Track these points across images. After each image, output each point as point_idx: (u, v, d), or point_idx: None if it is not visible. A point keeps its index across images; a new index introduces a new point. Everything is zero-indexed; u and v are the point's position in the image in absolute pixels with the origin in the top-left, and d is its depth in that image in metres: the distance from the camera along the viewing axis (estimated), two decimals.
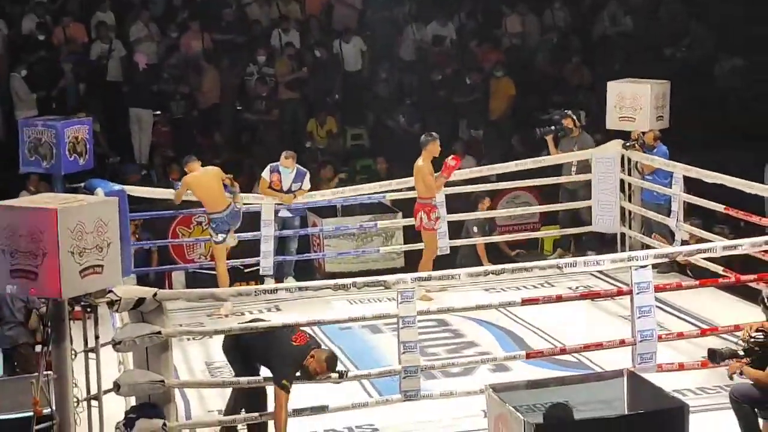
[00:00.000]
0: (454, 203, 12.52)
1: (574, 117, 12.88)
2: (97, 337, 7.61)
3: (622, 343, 8.87)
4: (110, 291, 7.52)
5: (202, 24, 16.78)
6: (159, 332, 7.74)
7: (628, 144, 12.37)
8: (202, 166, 11.57)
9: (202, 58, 16.47)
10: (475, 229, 12.85)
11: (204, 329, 9.29)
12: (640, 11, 18.25)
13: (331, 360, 8.02)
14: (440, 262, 11.49)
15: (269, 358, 7.90)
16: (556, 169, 13.02)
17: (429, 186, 11.35)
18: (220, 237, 11.38)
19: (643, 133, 12.36)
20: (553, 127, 12.83)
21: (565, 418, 6.76)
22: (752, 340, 7.76)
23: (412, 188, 11.83)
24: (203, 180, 11.34)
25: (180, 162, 12.30)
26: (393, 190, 12.40)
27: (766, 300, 7.88)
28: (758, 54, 17.15)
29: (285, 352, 7.86)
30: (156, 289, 7.83)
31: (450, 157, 11.47)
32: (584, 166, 12.72)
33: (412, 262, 12.22)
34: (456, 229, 12.72)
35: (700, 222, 11.82)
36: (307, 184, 12.15)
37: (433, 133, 11.54)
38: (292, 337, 7.95)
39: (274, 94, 16.33)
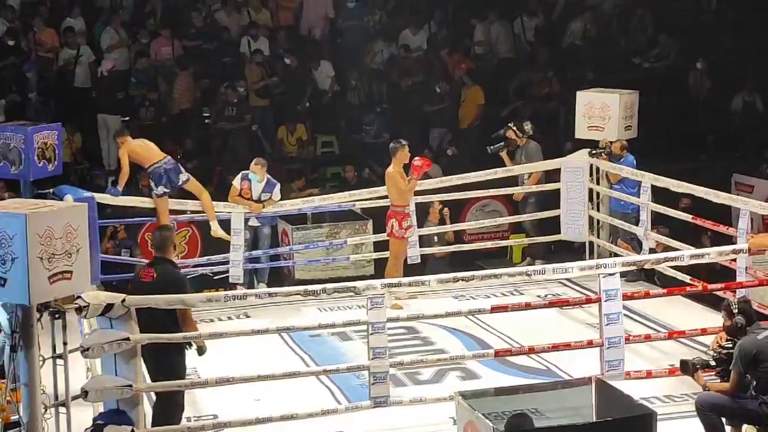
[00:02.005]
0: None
1: (514, 128, 12.98)
2: (65, 344, 7.58)
3: (590, 343, 8.94)
4: (79, 297, 7.50)
5: (173, 30, 16.73)
6: (127, 338, 7.71)
7: (594, 152, 12.46)
8: None
9: (172, 64, 16.42)
10: (436, 239, 12.93)
11: (172, 335, 9.25)
12: (609, 22, 18.35)
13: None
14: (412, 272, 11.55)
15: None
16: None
17: (401, 191, 11.36)
18: (161, 189, 11.51)
19: (611, 142, 12.45)
20: (501, 143, 12.95)
21: (525, 426, 6.80)
22: (723, 351, 7.84)
23: (383, 197, 11.86)
24: (133, 142, 11.70)
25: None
26: (363, 199, 12.42)
27: (732, 306, 7.94)
28: (727, 64, 17.30)
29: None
30: (124, 295, 7.81)
31: (416, 159, 11.50)
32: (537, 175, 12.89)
33: (382, 270, 12.22)
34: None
35: (667, 231, 11.91)
36: (276, 195, 12.15)
37: (402, 140, 11.59)
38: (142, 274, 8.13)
39: (244, 101, 16.31)
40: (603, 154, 12.39)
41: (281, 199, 12.27)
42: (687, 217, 11.45)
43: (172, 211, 11.81)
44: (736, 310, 7.85)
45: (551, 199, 12.88)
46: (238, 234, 12.00)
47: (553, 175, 12.87)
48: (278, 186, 12.22)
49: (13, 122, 11.47)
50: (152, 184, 11.56)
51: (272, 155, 15.60)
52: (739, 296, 8.96)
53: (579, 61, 17.68)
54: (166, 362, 8.04)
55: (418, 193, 12.15)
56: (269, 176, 12.19)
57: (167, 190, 11.55)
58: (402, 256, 11.62)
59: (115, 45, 16.37)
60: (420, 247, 12.49)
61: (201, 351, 8.29)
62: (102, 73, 15.99)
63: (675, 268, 10.84)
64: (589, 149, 12.56)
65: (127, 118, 15.96)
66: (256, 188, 12.08)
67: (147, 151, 11.66)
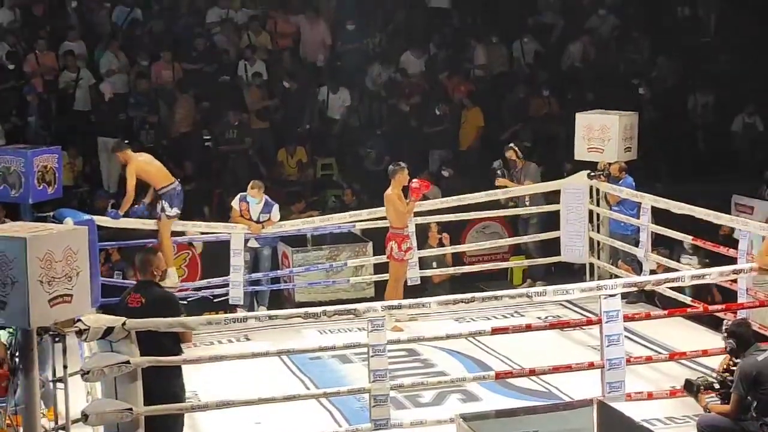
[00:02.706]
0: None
1: (515, 148, 13.02)
2: (65, 367, 7.56)
3: (590, 365, 8.92)
4: (79, 320, 7.48)
5: (173, 53, 16.78)
6: (127, 361, 7.70)
7: (593, 174, 12.46)
8: None
9: (173, 87, 16.45)
10: (435, 264, 12.91)
11: (173, 358, 9.23)
12: (607, 44, 18.41)
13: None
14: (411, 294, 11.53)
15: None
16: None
17: (400, 213, 11.37)
18: (174, 211, 11.53)
19: (609, 164, 12.45)
20: (499, 171, 12.96)
21: None
22: (728, 375, 7.83)
23: (382, 218, 11.86)
24: (146, 160, 11.72)
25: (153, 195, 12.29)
26: (363, 220, 12.43)
27: (736, 332, 7.93)
28: (726, 87, 17.34)
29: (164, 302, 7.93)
30: (124, 318, 7.79)
31: (414, 180, 11.51)
32: (537, 197, 12.88)
33: (382, 293, 12.21)
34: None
35: (667, 252, 11.90)
36: (275, 215, 12.16)
37: (401, 163, 11.61)
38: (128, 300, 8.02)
39: (244, 124, 16.33)
40: (602, 175, 12.41)
41: (280, 220, 12.28)
42: (687, 238, 11.45)
43: (171, 233, 11.83)
44: (725, 334, 7.86)
45: (551, 221, 12.89)
46: (237, 255, 11.99)
47: (553, 197, 12.88)
48: (276, 207, 12.23)
49: (13, 145, 11.51)
50: (165, 204, 11.52)
51: (272, 178, 15.62)
52: (737, 318, 8.94)
53: (578, 83, 17.73)
54: (162, 385, 7.99)
55: (417, 215, 12.16)
56: (267, 197, 12.20)
57: (179, 212, 11.56)
58: (402, 279, 11.61)
59: (115, 69, 16.40)
60: (420, 269, 12.48)
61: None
62: (102, 96, 16.01)
63: (675, 289, 10.83)
64: (588, 171, 12.57)
65: (127, 141, 15.95)
66: (254, 209, 12.10)
67: (159, 170, 11.65)
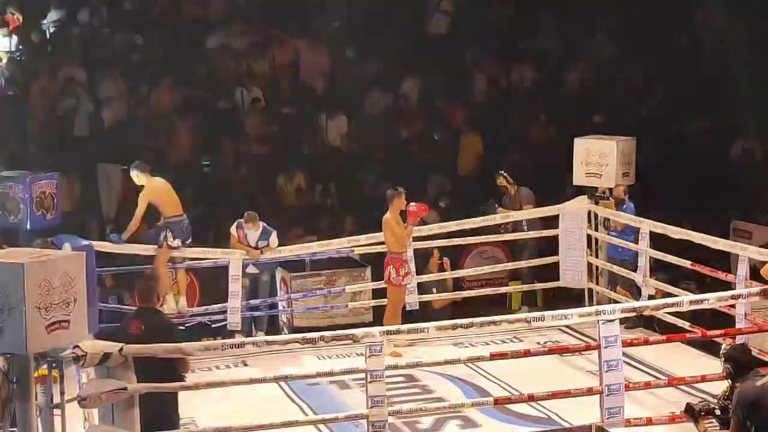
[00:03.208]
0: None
1: (505, 174, 13.07)
2: (62, 393, 7.54)
3: (589, 391, 8.89)
4: (76, 346, 7.47)
5: (173, 79, 16.82)
6: (125, 388, 7.68)
7: (599, 196, 12.43)
8: None
9: (172, 113, 16.47)
10: (434, 290, 12.89)
11: (170, 385, 9.21)
12: (605, 70, 18.45)
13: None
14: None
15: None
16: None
17: (398, 237, 11.37)
18: (177, 242, 11.57)
19: (610, 189, 12.44)
20: (496, 205, 13.00)
21: None
22: (730, 402, 7.79)
23: (380, 243, 11.87)
24: (162, 187, 11.79)
25: (149, 219, 12.30)
26: (361, 245, 12.43)
27: (732, 357, 7.91)
28: (724, 111, 17.36)
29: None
30: (122, 344, 7.78)
31: (411, 204, 11.52)
32: (533, 222, 12.88)
33: (380, 318, 12.20)
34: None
35: (665, 277, 11.90)
36: (274, 242, 12.17)
37: (399, 188, 11.63)
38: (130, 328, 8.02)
39: (243, 149, 16.35)
40: (609, 197, 12.37)
41: (279, 245, 12.28)
42: (686, 263, 11.45)
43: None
44: (722, 359, 7.84)
45: (549, 246, 12.88)
46: (236, 281, 11.99)
47: (551, 222, 12.89)
48: (274, 233, 12.24)
49: (11, 171, 11.52)
50: (169, 234, 11.54)
51: (270, 204, 15.62)
52: (734, 343, 8.90)
53: (576, 108, 17.75)
54: (159, 411, 7.97)
55: (416, 240, 12.16)
56: (264, 224, 12.21)
57: (180, 245, 11.58)
58: (400, 304, 11.61)
59: (114, 95, 16.43)
60: (419, 294, 12.47)
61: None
62: (101, 122, 16.03)
63: (674, 314, 10.81)
64: (588, 194, 12.57)
65: (126, 167, 15.98)
66: (252, 237, 12.12)
67: (171, 199, 11.75)
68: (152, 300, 8.05)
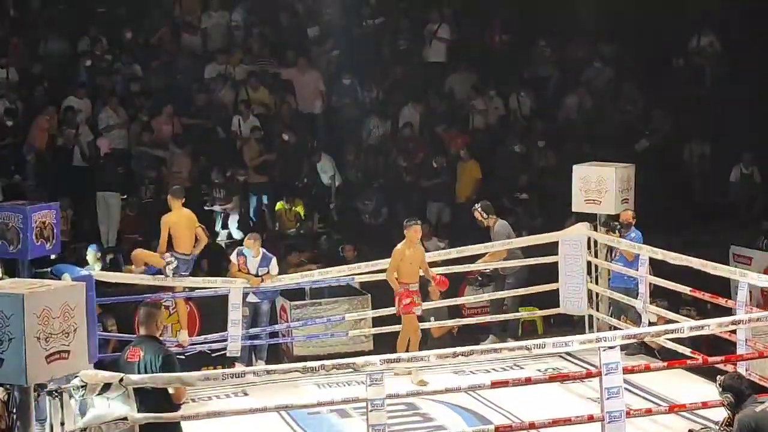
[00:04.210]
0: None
1: (480, 209, 13.02)
2: (62, 424, 7.52)
3: (590, 418, 8.87)
4: (76, 376, 7.46)
5: (174, 108, 16.86)
6: (125, 418, 7.65)
7: (612, 224, 12.41)
8: None
9: (172, 142, 16.50)
10: (432, 319, 12.83)
11: (170, 415, 9.18)
12: (603, 96, 18.51)
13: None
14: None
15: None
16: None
17: (390, 268, 11.40)
18: (175, 276, 11.79)
19: (618, 215, 12.42)
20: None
21: None
22: (731, 429, 7.78)
23: (381, 270, 11.86)
24: (183, 221, 11.88)
25: (148, 247, 12.35)
26: (361, 273, 12.42)
27: (717, 384, 7.92)
28: (722, 138, 17.41)
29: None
30: (122, 375, 7.76)
31: (437, 276, 11.71)
32: (512, 253, 12.80)
33: (380, 346, 12.20)
34: None
35: (666, 303, 11.88)
36: (274, 269, 12.17)
37: (415, 219, 11.66)
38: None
39: (243, 178, 16.37)
40: (616, 230, 12.33)
41: (279, 273, 12.28)
42: (686, 289, 11.43)
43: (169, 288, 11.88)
44: (720, 389, 7.83)
45: (551, 272, 12.84)
46: (236, 309, 11.97)
47: (551, 248, 12.86)
48: (274, 259, 12.25)
49: (11, 201, 11.52)
50: (171, 268, 11.69)
51: (270, 231, 15.63)
52: (731, 372, 8.88)
53: (574, 135, 17.80)
54: None
55: None
56: (264, 251, 12.21)
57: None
58: (408, 334, 11.51)
59: (113, 125, 16.48)
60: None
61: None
62: (100, 152, 16.06)
63: (674, 340, 10.79)
64: (601, 223, 12.54)
65: (125, 196, 16.03)
66: (252, 263, 12.11)
67: (188, 237, 11.84)
68: (153, 328, 8.03)
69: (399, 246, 11.50)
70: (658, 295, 12.01)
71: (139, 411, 7.81)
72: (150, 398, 7.87)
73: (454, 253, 12.74)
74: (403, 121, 17.55)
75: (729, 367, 9.66)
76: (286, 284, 12.51)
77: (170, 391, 7.91)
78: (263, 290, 12.22)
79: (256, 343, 12.42)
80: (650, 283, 11.76)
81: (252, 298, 12.28)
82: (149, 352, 7.92)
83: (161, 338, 8.20)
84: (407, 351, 11.14)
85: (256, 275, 12.08)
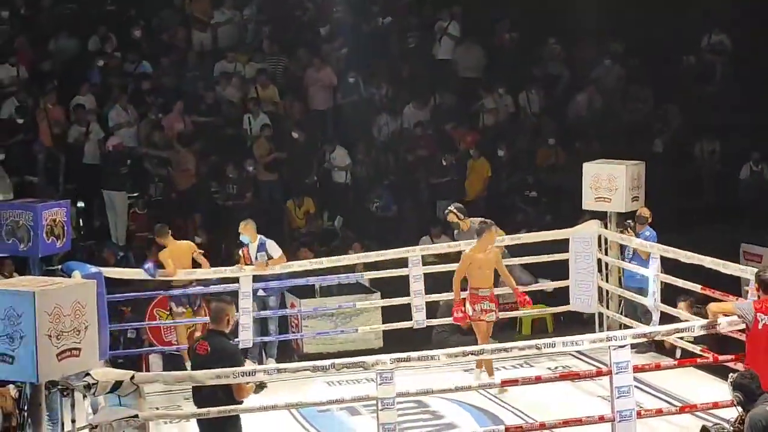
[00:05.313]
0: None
1: (455, 210, 12.62)
2: (73, 421, 7.55)
3: (601, 419, 8.85)
4: (87, 374, 7.47)
5: (184, 106, 16.86)
6: (136, 416, 7.67)
7: (627, 223, 12.38)
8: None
9: (182, 140, 16.51)
10: (441, 302, 12.74)
11: (181, 413, 9.21)
12: (613, 94, 18.48)
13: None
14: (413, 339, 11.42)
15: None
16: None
17: (457, 273, 11.10)
18: (180, 309, 11.90)
19: (634, 212, 12.40)
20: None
21: None
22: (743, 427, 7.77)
23: (389, 260, 11.91)
24: (176, 253, 11.98)
25: (159, 245, 12.37)
26: (371, 262, 12.42)
27: (729, 382, 7.91)
28: (732, 135, 17.38)
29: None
30: (133, 372, 7.78)
31: (524, 296, 11.43)
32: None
33: (390, 344, 12.20)
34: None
35: (693, 299, 11.73)
36: (273, 251, 12.10)
37: (488, 220, 11.36)
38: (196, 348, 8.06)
39: (252, 175, 16.38)
40: (629, 228, 12.30)
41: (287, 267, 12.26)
42: (696, 287, 11.40)
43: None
44: (731, 387, 7.82)
45: (562, 270, 12.82)
46: (246, 298, 11.97)
47: (561, 246, 12.84)
48: (270, 242, 12.18)
49: (21, 199, 11.53)
50: (173, 304, 12.07)
51: (280, 229, 15.63)
52: (742, 371, 8.88)
53: (584, 132, 17.78)
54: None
55: (426, 264, 12.11)
56: (261, 236, 12.19)
57: (184, 312, 12.09)
58: (482, 341, 11.00)
59: (123, 123, 16.50)
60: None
61: (261, 387, 8.30)
62: (109, 149, 16.09)
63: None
64: (599, 220, 12.52)
65: (135, 194, 16.05)
66: (252, 250, 12.13)
67: (186, 265, 12.00)
68: (222, 323, 8.10)
69: (468, 250, 11.16)
70: (678, 293, 11.88)
71: (199, 407, 7.92)
72: (211, 394, 7.98)
73: (464, 245, 12.68)
74: (412, 119, 17.53)
75: (740, 366, 9.63)
76: (294, 281, 12.47)
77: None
78: (269, 285, 12.20)
79: (266, 339, 12.41)
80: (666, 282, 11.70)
81: (260, 293, 12.29)
82: (214, 346, 7.99)
83: (227, 332, 8.23)
84: (489, 367, 10.93)
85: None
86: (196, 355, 8.07)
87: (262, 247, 12.14)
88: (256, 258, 12.09)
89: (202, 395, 8.00)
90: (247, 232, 12.14)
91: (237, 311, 11.66)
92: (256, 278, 12.11)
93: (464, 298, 11.07)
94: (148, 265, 11.89)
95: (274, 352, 12.52)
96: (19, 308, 6.85)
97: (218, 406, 7.89)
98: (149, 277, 11.84)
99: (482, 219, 11.66)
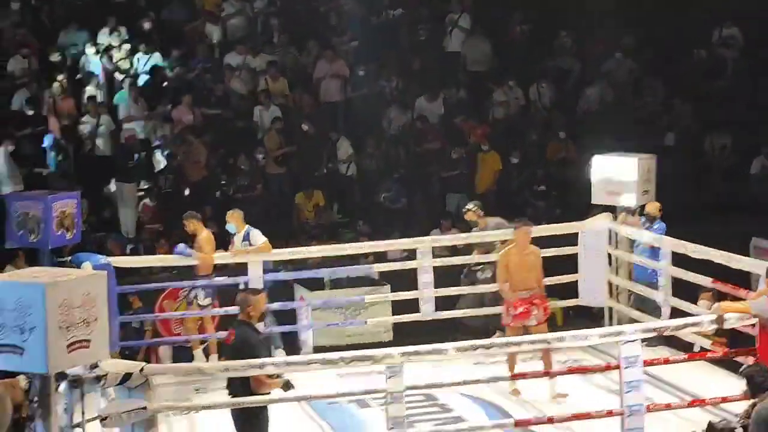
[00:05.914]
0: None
1: (473, 209, 12.64)
2: (83, 413, 7.55)
3: (609, 413, 8.84)
4: (97, 365, 7.48)
5: (193, 99, 16.86)
6: (145, 407, 7.68)
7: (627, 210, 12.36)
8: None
9: (192, 132, 16.51)
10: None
11: (190, 404, 9.22)
12: (625, 88, 18.42)
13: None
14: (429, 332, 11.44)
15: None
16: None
17: (499, 277, 10.96)
18: (207, 300, 11.75)
19: (643, 206, 12.36)
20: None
21: None
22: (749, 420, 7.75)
23: (403, 255, 11.90)
24: (211, 241, 11.97)
25: (168, 236, 12.36)
26: (381, 254, 12.41)
27: (749, 375, 7.87)
28: (744, 129, 17.32)
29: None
30: (143, 364, 7.80)
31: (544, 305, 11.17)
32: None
33: (400, 337, 12.19)
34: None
35: (714, 293, 11.66)
36: (257, 239, 12.04)
37: (524, 219, 11.33)
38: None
39: (262, 168, 16.38)
40: (634, 213, 12.28)
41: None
42: (707, 281, 11.37)
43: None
44: (742, 379, 7.80)
45: (569, 264, 12.80)
46: (257, 282, 11.94)
47: (569, 239, 12.81)
48: (254, 231, 12.12)
49: (32, 191, 11.56)
50: (201, 294, 11.88)
51: (290, 221, 15.62)
52: (753, 362, 8.86)
53: (595, 126, 17.72)
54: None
55: (436, 256, 12.10)
56: (248, 226, 12.15)
57: (210, 305, 11.92)
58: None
59: (134, 115, 16.50)
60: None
61: (287, 387, 8.36)
62: (121, 141, 16.10)
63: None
64: (610, 213, 12.48)
65: (147, 186, 16.06)
66: (237, 240, 12.09)
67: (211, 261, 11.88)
68: (245, 314, 8.20)
69: (505, 250, 11.08)
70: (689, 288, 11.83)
71: (232, 396, 8.10)
72: (239, 384, 8.17)
73: (475, 237, 12.68)
74: (422, 111, 17.50)
75: (750, 360, 9.60)
76: (303, 273, 12.45)
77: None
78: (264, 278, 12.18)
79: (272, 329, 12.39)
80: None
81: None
82: (238, 336, 8.15)
83: (253, 323, 8.31)
84: (511, 365, 10.75)
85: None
86: (224, 344, 8.22)
87: (247, 236, 12.11)
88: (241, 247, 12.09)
89: (233, 385, 8.21)
90: (234, 221, 12.10)
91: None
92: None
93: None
94: (182, 247, 11.86)
95: (279, 344, 12.52)
96: (29, 300, 6.86)
97: (244, 396, 7.95)
98: (186, 258, 11.80)
99: (500, 219, 11.66)
